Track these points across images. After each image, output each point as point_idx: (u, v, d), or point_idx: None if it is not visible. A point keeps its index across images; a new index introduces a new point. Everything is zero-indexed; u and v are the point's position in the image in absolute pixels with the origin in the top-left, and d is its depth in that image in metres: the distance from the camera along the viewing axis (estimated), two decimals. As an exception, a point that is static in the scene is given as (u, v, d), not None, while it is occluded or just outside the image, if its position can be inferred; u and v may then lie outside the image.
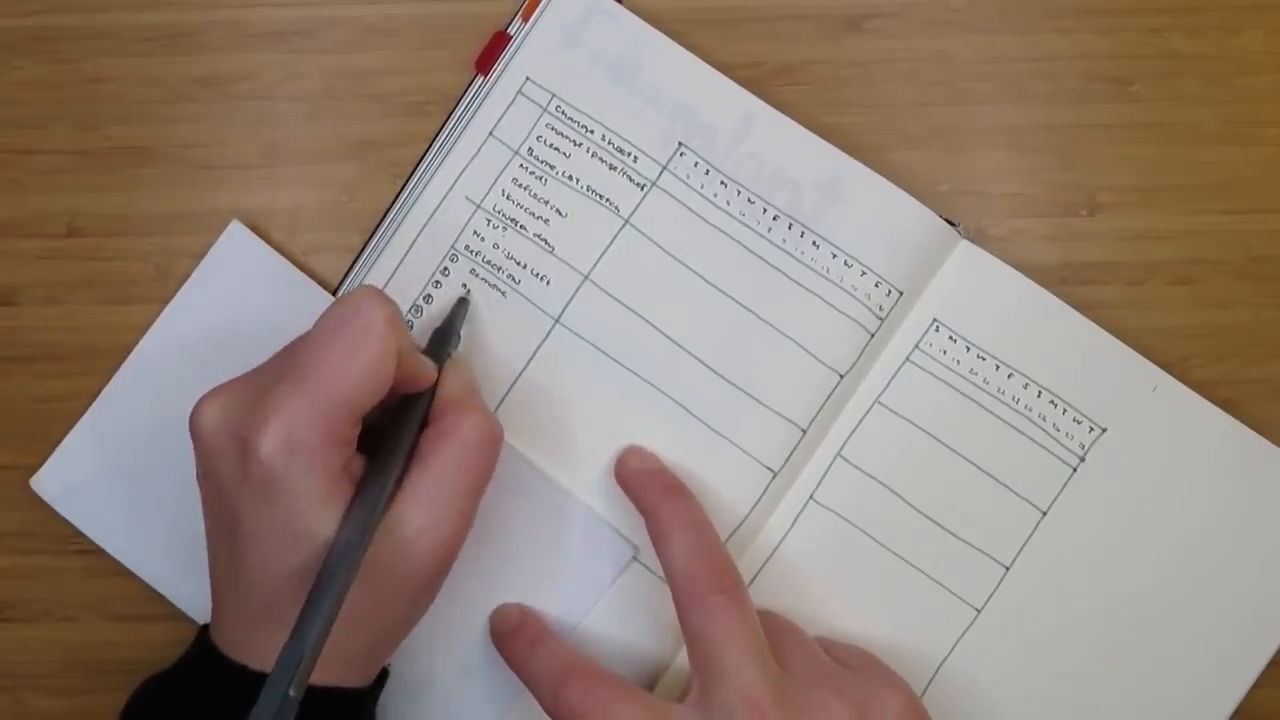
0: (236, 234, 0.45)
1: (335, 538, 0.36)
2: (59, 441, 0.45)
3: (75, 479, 0.45)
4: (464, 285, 0.44)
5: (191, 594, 0.43)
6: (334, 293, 0.45)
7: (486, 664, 0.44)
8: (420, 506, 0.38)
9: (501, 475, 0.43)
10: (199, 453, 0.38)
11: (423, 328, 0.44)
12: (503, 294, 0.44)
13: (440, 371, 0.41)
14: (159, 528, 0.44)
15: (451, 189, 0.45)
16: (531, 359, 0.44)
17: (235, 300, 0.45)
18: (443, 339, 0.42)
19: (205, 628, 0.40)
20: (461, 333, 0.43)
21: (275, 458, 0.35)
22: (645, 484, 0.42)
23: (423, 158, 0.45)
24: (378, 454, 0.38)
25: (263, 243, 0.45)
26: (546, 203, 0.44)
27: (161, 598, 0.45)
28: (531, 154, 0.45)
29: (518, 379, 0.44)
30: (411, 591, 0.39)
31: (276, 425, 0.35)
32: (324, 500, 0.36)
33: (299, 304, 0.44)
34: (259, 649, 0.37)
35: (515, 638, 0.43)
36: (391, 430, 0.39)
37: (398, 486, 0.38)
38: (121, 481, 0.44)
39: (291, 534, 0.36)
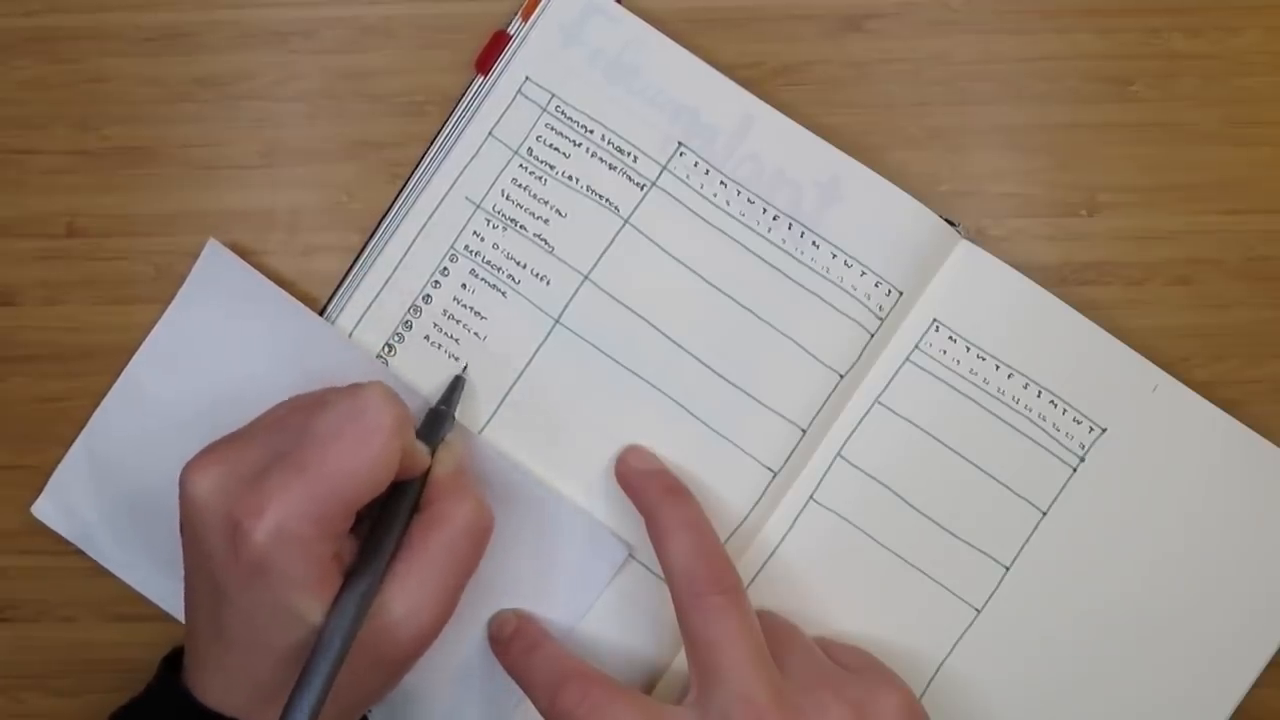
0: (214, 252, 0.45)
1: (322, 628, 0.36)
2: (59, 442, 0.45)
3: (74, 503, 0.45)
4: (464, 364, 0.44)
5: None
6: (324, 307, 0.45)
7: (484, 670, 0.44)
8: (405, 593, 0.38)
9: (494, 482, 0.43)
10: (186, 517, 0.38)
11: (415, 335, 0.44)
12: (503, 294, 0.44)
13: (434, 455, 0.41)
14: (160, 547, 0.44)
15: (451, 189, 0.45)
16: (531, 359, 0.44)
17: (219, 318, 0.44)
18: (438, 421, 0.42)
19: (168, 663, 0.41)
20: (456, 415, 0.43)
21: (267, 545, 0.35)
22: (645, 484, 0.42)
23: (422, 158, 0.45)
24: (368, 540, 0.38)
25: (240, 259, 0.44)
26: (546, 203, 0.44)
27: (161, 598, 0.45)
28: (531, 154, 0.44)
29: (518, 379, 0.44)
30: (387, 673, 0.39)
31: (271, 515, 0.35)
32: (313, 588, 0.36)
33: (279, 318, 0.44)
34: (234, 702, 0.38)
35: (512, 643, 0.43)
36: (382, 516, 0.39)
37: (387, 571, 0.38)
38: (120, 503, 0.45)
39: (278, 616, 0.36)
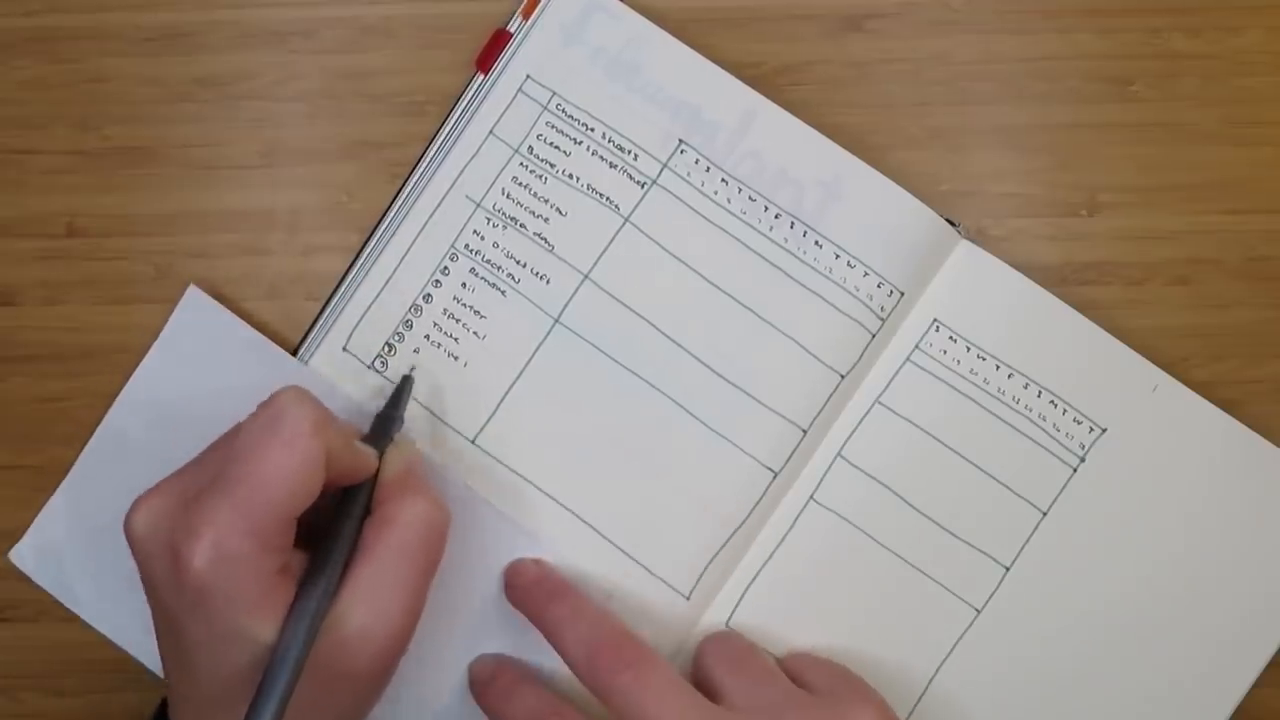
0: (194, 299, 0.45)
1: (277, 641, 0.36)
2: (59, 442, 0.45)
3: (52, 551, 0.45)
4: (411, 365, 0.44)
5: None
6: (323, 308, 0.45)
7: (465, 715, 0.43)
8: (363, 602, 0.37)
9: (470, 523, 0.42)
10: (135, 557, 0.38)
11: (415, 334, 0.44)
12: (502, 293, 0.44)
13: (382, 457, 0.40)
14: (136, 597, 0.44)
15: (451, 188, 0.45)
16: (531, 359, 0.44)
17: (198, 365, 0.44)
18: (385, 424, 0.42)
19: (164, 704, 0.40)
20: (405, 415, 0.43)
21: (207, 569, 0.35)
22: (526, 597, 0.42)
23: (422, 157, 0.45)
24: (319, 550, 0.38)
25: (221, 306, 0.44)
26: (547, 201, 0.44)
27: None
28: (532, 152, 0.44)
29: (518, 379, 0.44)
30: (358, 688, 0.38)
31: (207, 538, 0.35)
32: (260, 605, 0.36)
33: (260, 365, 0.44)
34: None
35: (490, 686, 0.42)
36: (333, 524, 0.38)
37: (341, 580, 0.37)
38: (97, 552, 0.44)
39: (230, 639, 0.36)
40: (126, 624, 0.45)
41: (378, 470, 0.40)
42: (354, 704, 0.39)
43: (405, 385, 0.44)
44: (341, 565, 0.37)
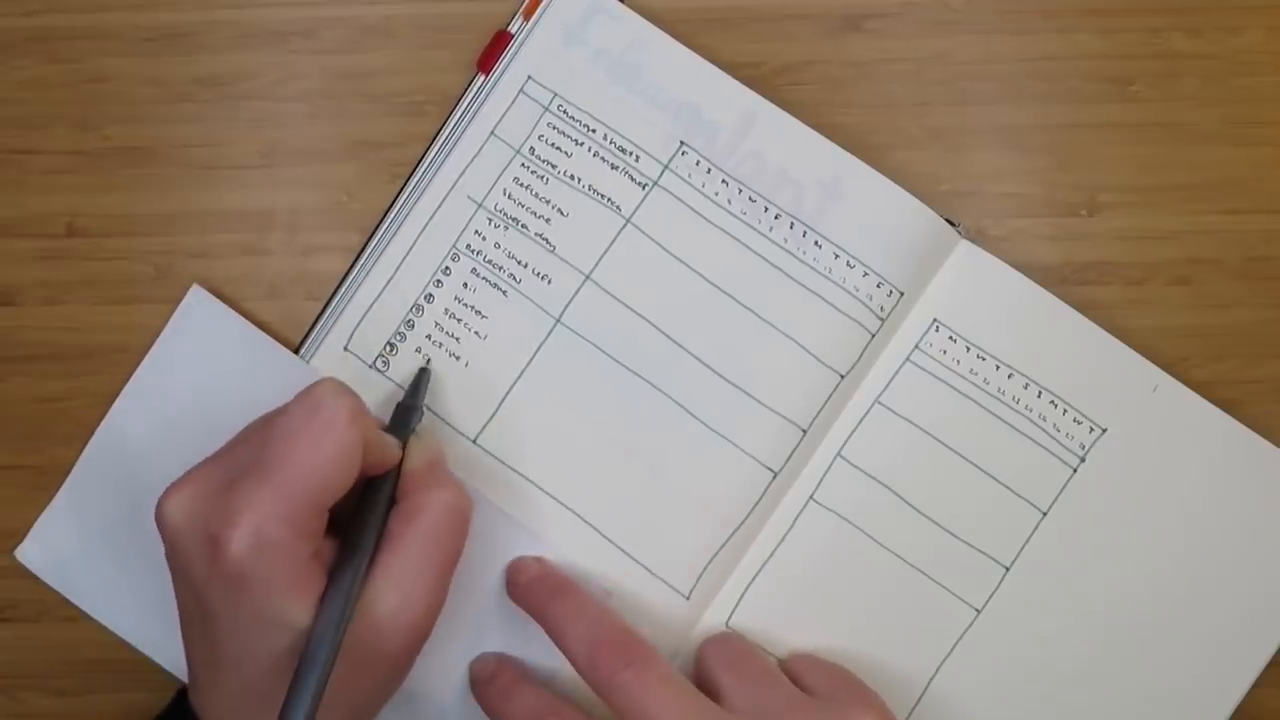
0: (198, 298, 0.45)
1: (311, 628, 0.36)
2: (59, 442, 0.45)
3: (58, 549, 0.45)
4: (426, 357, 0.44)
5: (176, 656, 0.42)
6: (324, 308, 0.45)
7: (463, 715, 0.44)
8: (391, 587, 0.38)
9: (474, 523, 0.43)
10: (167, 544, 0.38)
11: (417, 334, 0.44)
12: (504, 294, 0.44)
13: (405, 448, 0.41)
14: (143, 593, 0.44)
15: (453, 188, 0.45)
16: (532, 359, 0.44)
17: (200, 364, 0.44)
18: (406, 415, 0.42)
19: (183, 691, 0.41)
20: (425, 406, 0.43)
21: (245, 555, 0.36)
22: (529, 594, 0.42)
23: (423, 157, 0.45)
24: (347, 537, 0.38)
25: (224, 305, 0.45)
26: (548, 202, 0.44)
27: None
28: (533, 153, 0.44)
29: (518, 379, 0.44)
30: (384, 671, 0.39)
31: (245, 524, 0.36)
32: (294, 590, 0.36)
33: (262, 364, 0.44)
34: None
35: (490, 686, 0.43)
36: (360, 513, 0.39)
37: (370, 566, 0.38)
38: (102, 549, 0.44)
39: (264, 624, 0.36)
40: (137, 621, 0.45)
41: (401, 461, 0.41)
42: (382, 685, 0.40)
43: (423, 377, 0.44)
44: (370, 552, 0.38)
